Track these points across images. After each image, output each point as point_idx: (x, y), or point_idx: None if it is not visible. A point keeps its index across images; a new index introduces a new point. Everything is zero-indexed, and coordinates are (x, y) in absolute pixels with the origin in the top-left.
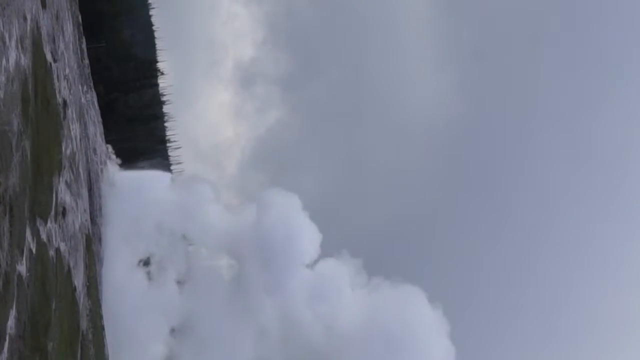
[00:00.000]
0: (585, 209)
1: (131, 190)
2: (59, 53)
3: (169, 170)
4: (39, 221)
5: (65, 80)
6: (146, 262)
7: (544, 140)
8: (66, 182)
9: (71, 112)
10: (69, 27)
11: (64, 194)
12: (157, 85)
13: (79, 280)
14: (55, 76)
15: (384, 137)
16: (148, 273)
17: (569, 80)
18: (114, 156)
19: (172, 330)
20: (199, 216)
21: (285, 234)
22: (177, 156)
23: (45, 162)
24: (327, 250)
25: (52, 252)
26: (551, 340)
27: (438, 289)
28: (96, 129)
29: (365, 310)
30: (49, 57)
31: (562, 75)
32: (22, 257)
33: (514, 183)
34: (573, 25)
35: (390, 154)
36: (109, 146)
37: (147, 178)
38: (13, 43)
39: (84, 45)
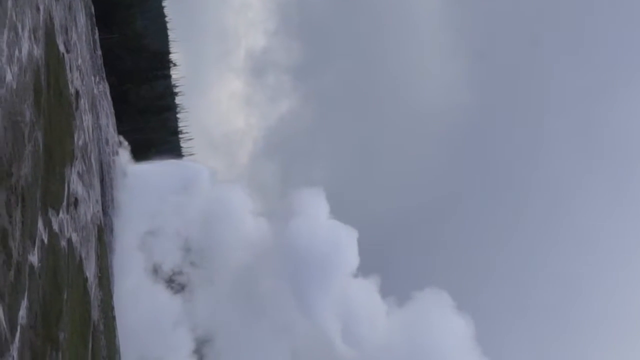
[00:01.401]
0: (600, 200)
1: (144, 181)
2: (72, 44)
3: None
4: (51, 212)
5: (78, 71)
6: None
7: (557, 129)
8: (78, 172)
9: (84, 103)
10: (81, 18)
11: (76, 185)
12: (169, 76)
13: (90, 270)
14: (67, 67)
15: (395, 127)
16: (163, 278)
17: (582, 69)
18: (127, 147)
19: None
20: (218, 213)
21: (320, 239)
22: (189, 147)
23: (57, 152)
24: None
25: (63, 243)
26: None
27: (453, 283)
28: (108, 120)
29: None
30: (61, 47)
31: (574, 63)
32: (34, 247)
33: (526, 174)
34: (590, 10)
35: (401, 143)
36: (122, 137)
37: (163, 170)
38: (26, 34)
39: (96, 36)
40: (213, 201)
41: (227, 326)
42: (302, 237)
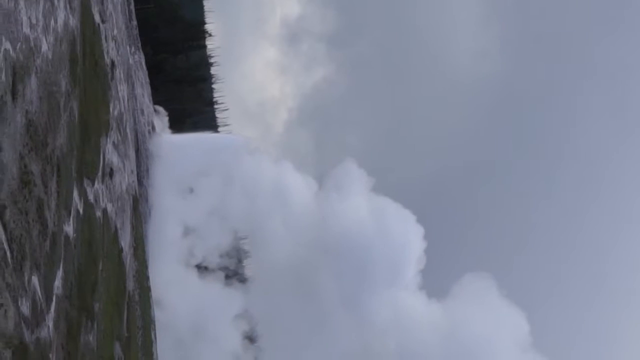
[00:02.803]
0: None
1: (179, 151)
2: (107, 14)
3: (217, 132)
4: (86, 182)
5: (114, 41)
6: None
7: (592, 97)
8: (113, 143)
9: (119, 73)
10: None
11: (111, 155)
12: (204, 46)
13: (125, 241)
14: (103, 37)
15: (429, 95)
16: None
17: (621, 38)
18: (164, 116)
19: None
20: (258, 187)
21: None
22: (224, 118)
23: (93, 123)
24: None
25: (99, 213)
26: None
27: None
28: (144, 90)
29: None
30: (97, 17)
31: (614, 32)
32: (69, 217)
33: (560, 143)
34: None
35: (436, 110)
36: (161, 107)
37: (200, 141)
38: (62, 3)
39: (132, 7)
40: (249, 174)
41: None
42: (349, 221)
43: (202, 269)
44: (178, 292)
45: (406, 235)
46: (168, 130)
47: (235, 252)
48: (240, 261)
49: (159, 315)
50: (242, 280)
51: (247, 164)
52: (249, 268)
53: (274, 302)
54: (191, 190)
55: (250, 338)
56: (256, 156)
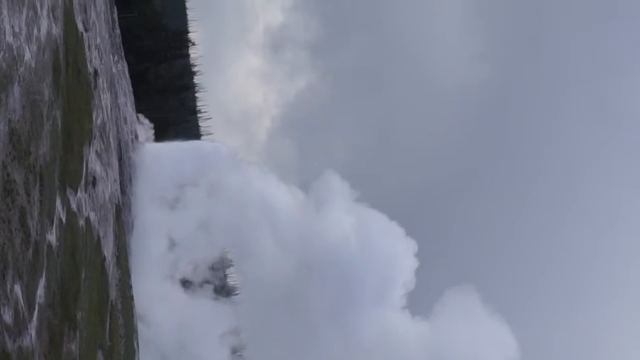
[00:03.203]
0: (615, 175)
1: (163, 161)
2: (91, 22)
3: (200, 141)
4: (69, 190)
5: (97, 50)
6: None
7: (573, 103)
8: (97, 151)
9: (102, 82)
10: None
11: (94, 164)
12: (188, 55)
13: (108, 250)
14: (86, 45)
15: (414, 102)
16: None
17: (601, 43)
18: (148, 126)
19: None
20: (239, 195)
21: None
22: (207, 126)
23: (76, 131)
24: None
25: (82, 222)
26: None
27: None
28: (127, 99)
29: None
30: (80, 26)
31: (593, 37)
32: (52, 226)
33: (542, 149)
34: None
35: (420, 118)
36: (143, 115)
37: (182, 150)
38: (45, 12)
39: (115, 15)
40: (233, 184)
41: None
42: (332, 232)
43: (186, 283)
44: (163, 308)
45: (393, 249)
46: (151, 139)
47: (220, 264)
48: (224, 274)
49: (143, 331)
50: (228, 293)
51: (230, 173)
52: (233, 279)
53: (259, 316)
54: (175, 201)
55: (235, 351)
56: (239, 165)
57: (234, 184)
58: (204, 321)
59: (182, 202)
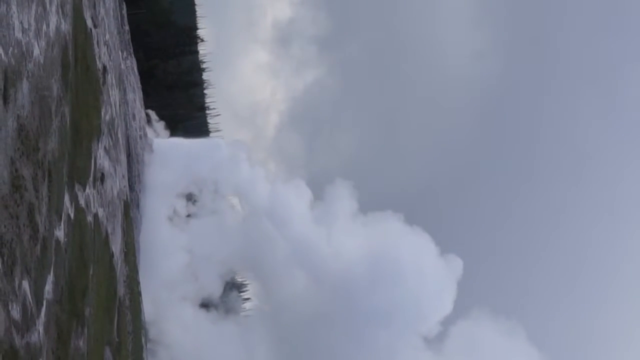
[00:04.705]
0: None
1: (172, 157)
2: (99, 19)
3: (208, 137)
4: (77, 186)
5: (105, 46)
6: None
7: (579, 98)
8: (105, 147)
9: (111, 78)
10: None
11: (102, 160)
12: (196, 52)
13: (116, 246)
14: (95, 42)
15: (420, 96)
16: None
17: (606, 39)
18: (157, 122)
19: None
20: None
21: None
22: (216, 123)
23: (84, 127)
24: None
25: (90, 218)
26: None
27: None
28: (135, 95)
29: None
30: (89, 22)
31: (598, 34)
32: (60, 222)
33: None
34: None
35: (426, 112)
36: (153, 112)
37: (191, 147)
38: (54, 8)
39: (124, 11)
40: (242, 181)
41: None
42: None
43: (202, 305)
44: (178, 331)
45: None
46: (160, 136)
47: (232, 283)
48: (239, 293)
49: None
50: (239, 311)
51: (239, 173)
52: (247, 299)
53: (275, 336)
54: (183, 198)
55: None
56: (248, 165)
57: (241, 186)
58: (216, 342)
59: (191, 203)
